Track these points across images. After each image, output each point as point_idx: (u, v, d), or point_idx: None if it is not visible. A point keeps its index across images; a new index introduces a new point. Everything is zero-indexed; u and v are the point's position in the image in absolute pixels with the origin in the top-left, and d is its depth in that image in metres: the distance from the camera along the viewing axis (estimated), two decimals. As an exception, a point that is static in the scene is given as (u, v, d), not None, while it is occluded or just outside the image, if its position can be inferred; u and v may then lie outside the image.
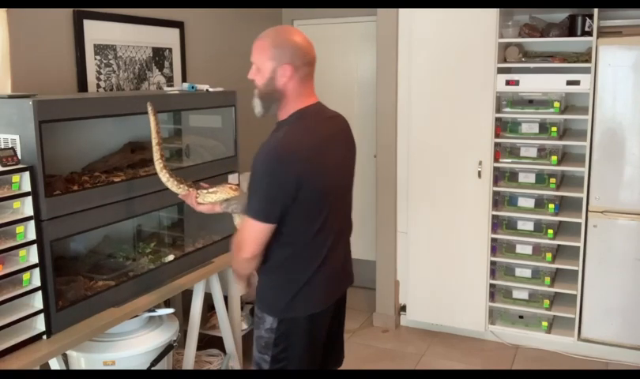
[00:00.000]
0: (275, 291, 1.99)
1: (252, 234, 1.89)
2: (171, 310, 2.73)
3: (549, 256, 3.65)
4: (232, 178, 3.15)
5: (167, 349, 2.66)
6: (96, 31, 2.92)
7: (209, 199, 2.20)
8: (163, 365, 2.65)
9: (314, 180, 1.87)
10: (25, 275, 2.12)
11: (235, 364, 3.23)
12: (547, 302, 3.71)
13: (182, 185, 2.28)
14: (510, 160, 3.68)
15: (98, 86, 2.96)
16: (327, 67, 4.67)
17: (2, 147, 2.13)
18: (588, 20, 3.38)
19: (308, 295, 1.99)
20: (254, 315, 2.09)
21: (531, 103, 3.60)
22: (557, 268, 3.71)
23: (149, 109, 2.34)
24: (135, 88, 3.19)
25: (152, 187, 2.63)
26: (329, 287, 2.06)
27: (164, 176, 2.31)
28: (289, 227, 1.90)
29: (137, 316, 2.57)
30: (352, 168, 2.13)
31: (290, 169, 1.82)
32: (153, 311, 2.65)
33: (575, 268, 3.58)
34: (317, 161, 1.88)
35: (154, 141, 2.34)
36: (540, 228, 3.67)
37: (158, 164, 2.32)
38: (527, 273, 3.74)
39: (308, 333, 2.01)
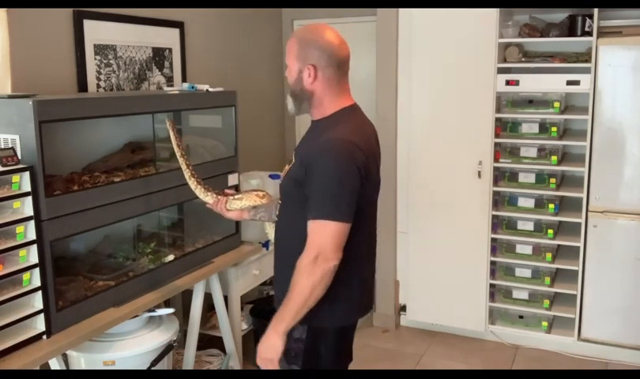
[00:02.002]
0: (324, 300, 1.83)
1: (335, 239, 1.74)
2: (171, 310, 2.73)
3: (549, 256, 3.65)
4: (232, 178, 3.15)
5: (167, 349, 2.66)
6: (96, 31, 2.92)
7: (235, 206, 2.21)
8: (163, 365, 2.65)
9: (371, 179, 1.84)
10: (25, 275, 2.12)
11: (235, 364, 3.23)
12: (547, 302, 3.71)
13: (209, 193, 2.31)
14: (510, 160, 3.68)
15: (98, 86, 2.96)
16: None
17: (2, 147, 2.13)
18: (588, 20, 3.38)
19: (347, 304, 1.91)
20: None
21: (531, 103, 3.60)
22: (557, 268, 3.71)
23: (168, 124, 2.43)
24: (135, 88, 3.19)
25: (152, 187, 2.64)
26: (366, 296, 2.00)
27: (192, 184, 2.36)
28: (351, 230, 1.81)
29: (137, 316, 2.57)
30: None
31: (360, 164, 1.77)
32: (153, 311, 2.65)
33: (575, 268, 3.58)
34: (373, 161, 1.85)
35: (178, 154, 2.42)
36: (540, 228, 3.67)
37: (186, 173, 2.39)
38: (527, 273, 3.74)
39: (338, 344, 1.95)
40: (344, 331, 1.95)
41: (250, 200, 2.19)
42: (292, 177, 1.88)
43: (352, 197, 1.76)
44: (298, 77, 1.87)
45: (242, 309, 3.43)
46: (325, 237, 1.74)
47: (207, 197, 2.31)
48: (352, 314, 1.97)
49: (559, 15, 3.59)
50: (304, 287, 1.75)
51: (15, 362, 2.02)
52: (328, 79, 1.85)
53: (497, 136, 3.65)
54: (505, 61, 3.65)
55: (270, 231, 2.29)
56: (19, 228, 2.08)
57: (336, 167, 1.74)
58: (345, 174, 1.74)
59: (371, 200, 1.91)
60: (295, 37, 1.89)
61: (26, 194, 2.08)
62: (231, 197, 2.24)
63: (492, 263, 3.79)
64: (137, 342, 2.57)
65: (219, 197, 2.26)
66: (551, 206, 3.62)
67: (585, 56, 3.49)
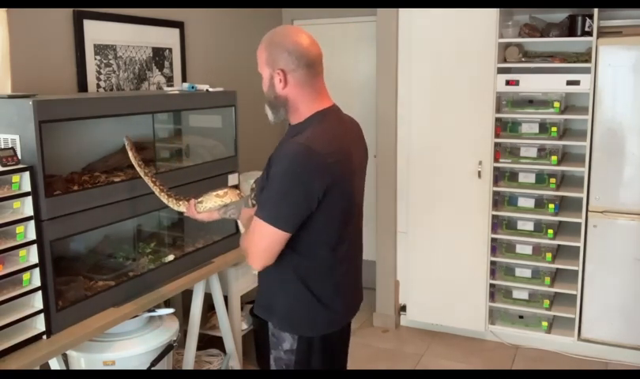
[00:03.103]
0: (297, 307, 1.87)
1: (265, 240, 1.75)
2: (171, 310, 2.73)
3: (549, 256, 3.65)
4: (232, 178, 3.15)
5: (167, 349, 2.66)
6: (96, 31, 2.92)
7: (200, 208, 2.19)
8: (163, 365, 2.65)
9: (339, 187, 1.78)
10: (25, 275, 2.12)
11: (235, 364, 3.23)
12: (547, 302, 3.71)
13: (181, 202, 2.29)
14: (510, 160, 3.68)
15: (98, 86, 2.96)
16: (327, 67, 4.64)
17: (2, 147, 2.13)
18: (588, 20, 3.38)
19: (332, 312, 1.89)
20: (270, 334, 1.94)
21: (531, 103, 3.60)
22: (557, 268, 3.71)
23: (126, 143, 2.38)
24: (135, 88, 3.19)
25: (152, 187, 2.64)
26: (352, 302, 2.00)
27: (164, 198, 2.34)
28: (314, 237, 1.80)
29: (137, 316, 2.57)
30: (365, 175, 2.05)
31: (317, 173, 1.70)
32: (153, 311, 2.65)
33: (575, 268, 3.58)
34: (342, 166, 1.78)
35: (141, 173, 2.39)
36: (540, 228, 3.67)
37: (155, 190, 2.36)
38: (527, 273, 3.74)
39: (329, 352, 1.92)
40: (330, 339, 1.92)
41: (211, 201, 2.15)
42: (260, 185, 1.84)
43: (295, 207, 1.72)
44: (270, 84, 1.82)
45: (242, 309, 3.43)
46: (259, 236, 1.76)
47: (180, 207, 2.29)
48: (334, 321, 1.93)
49: (559, 15, 3.59)
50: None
51: (15, 362, 2.02)
52: (299, 82, 1.79)
53: (497, 136, 3.65)
54: (505, 61, 3.65)
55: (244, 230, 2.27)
56: (19, 228, 2.07)
57: (286, 176, 1.70)
58: (293, 184, 1.70)
59: (342, 203, 1.83)
60: (262, 43, 1.83)
61: (26, 194, 2.08)
62: (196, 201, 2.20)
63: (492, 263, 3.79)
64: (137, 342, 2.57)
65: (188, 203, 2.23)
66: (551, 206, 3.62)
67: (585, 56, 3.49)
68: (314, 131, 1.77)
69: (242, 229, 2.28)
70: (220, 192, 2.15)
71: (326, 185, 1.72)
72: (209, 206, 2.15)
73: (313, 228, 1.78)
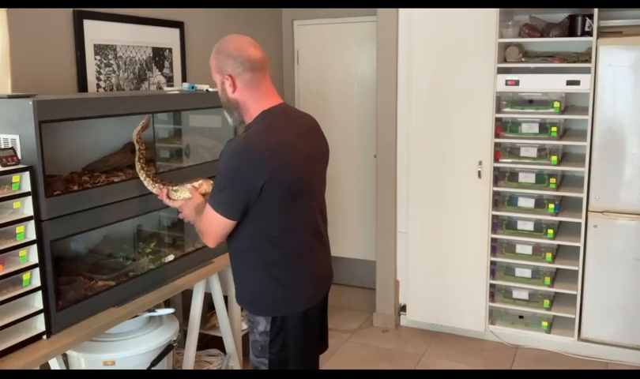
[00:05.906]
0: (264, 291, 2.00)
1: (213, 225, 1.94)
2: (171, 310, 2.73)
3: (549, 256, 3.65)
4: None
5: (167, 349, 2.66)
6: (96, 31, 2.92)
7: (174, 196, 2.26)
8: (163, 365, 2.66)
9: (281, 177, 1.90)
10: (25, 275, 2.12)
11: (235, 364, 3.23)
12: (547, 302, 3.71)
13: (156, 184, 2.37)
14: (510, 160, 3.68)
15: (98, 86, 2.96)
16: (327, 67, 4.67)
17: (2, 147, 2.13)
18: (588, 20, 3.38)
19: (298, 292, 2.02)
20: (247, 320, 2.09)
21: (531, 103, 3.60)
22: (557, 268, 3.71)
23: (145, 120, 2.50)
24: (135, 88, 3.19)
25: (152, 187, 2.64)
26: (317, 282, 2.09)
27: (142, 175, 2.43)
28: (268, 224, 1.94)
29: (137, 316, 2.57)
30: (324, 166, 2.16)
31: (253, 166, 1.86)
32: (153, 311, 2.66)
33: (575, 268, 3.58)
34: (283, 158, 1.91)
35: (135, 142, 2.48)
36: (540, 228, 3.67)
37: (137, 165, 2.45)
38: (527, 273, 3.74)
39: (302, 329, 2.03)
40: (305, 316, 2.03)
41: (185, 191, 2.22)
42: None
43: (234, 198, 1.88)
44: (222, 89, 2.00)
45: (242, 309, 3.43)
46: (208, 221, 1.96)
47: (154, 189, 2.37)
48: (309, 299, 2.05)
49: (559, 15, 3.59)
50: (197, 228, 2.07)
51: (15, 362, 2.02)
52: (247, 85, 1.96)
53: (497, 136, 3.65)
54: (505, 61, 3.65)
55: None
56: (19, 228, 2.08)
57: (225, 170, 1.88)
58: (232, 178, 1.87)
59: (288, 191, 1.93)
60: (212, 53, 2.03)
61: (26, 194, 2.08)
62: (171, 188, 2.28)
63: (492, 263, 3.79)
64: (137, 342, 2.57)
65: (162, 187, 2.33)
66: (551, 206, 3.62)
67: (585, 56, 3.49)
68: (255, 128, 1.94)
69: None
70: (196, 183, 2.22)
71: (264, 177, 1.86)
72: (183, 196, 2.23)
73: (265, 216, 1.92)
